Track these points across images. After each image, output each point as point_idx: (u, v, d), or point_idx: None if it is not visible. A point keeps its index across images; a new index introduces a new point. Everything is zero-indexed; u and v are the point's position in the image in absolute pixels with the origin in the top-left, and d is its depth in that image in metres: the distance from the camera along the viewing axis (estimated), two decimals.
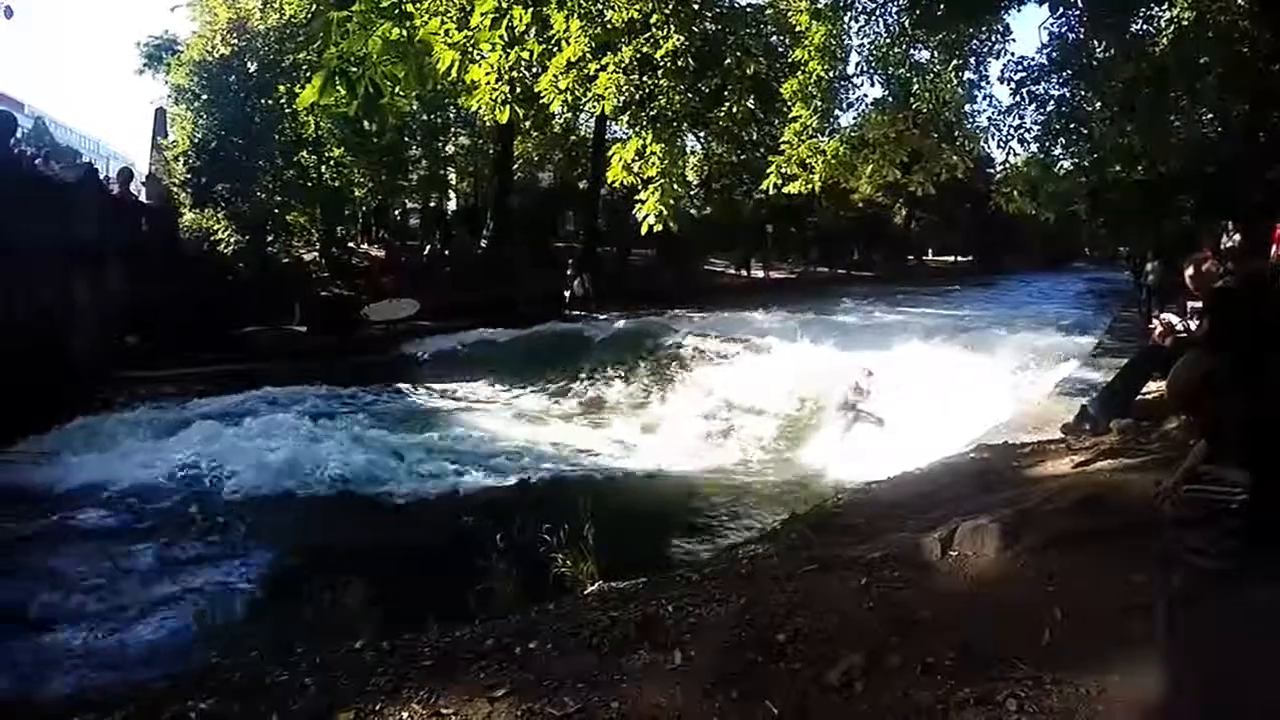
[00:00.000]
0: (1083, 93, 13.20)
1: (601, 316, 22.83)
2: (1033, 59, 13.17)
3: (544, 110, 10.83)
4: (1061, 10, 12.23)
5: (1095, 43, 12.30)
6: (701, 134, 31.06)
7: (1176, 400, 3.62)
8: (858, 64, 11.65)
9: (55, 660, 6.40)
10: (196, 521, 9.49)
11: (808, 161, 10.70)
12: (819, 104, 10.89)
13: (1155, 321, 7.50)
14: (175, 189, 23.53)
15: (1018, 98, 13.21)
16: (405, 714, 2.85)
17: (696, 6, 9.00)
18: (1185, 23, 12.08)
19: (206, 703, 2.99)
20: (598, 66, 8.12)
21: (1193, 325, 6.64)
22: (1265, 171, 11.11)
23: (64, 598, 7.49)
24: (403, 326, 21.96)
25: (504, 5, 6.99)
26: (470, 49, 7.04)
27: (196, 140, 23.36)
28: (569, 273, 23.35)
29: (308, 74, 15.30)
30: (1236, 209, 10.95)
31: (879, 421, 12.46)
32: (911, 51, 11.58)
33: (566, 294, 24.90)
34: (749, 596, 3.55)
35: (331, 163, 26.61)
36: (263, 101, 23.89)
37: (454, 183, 37.30)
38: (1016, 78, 13.12)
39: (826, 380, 14.03)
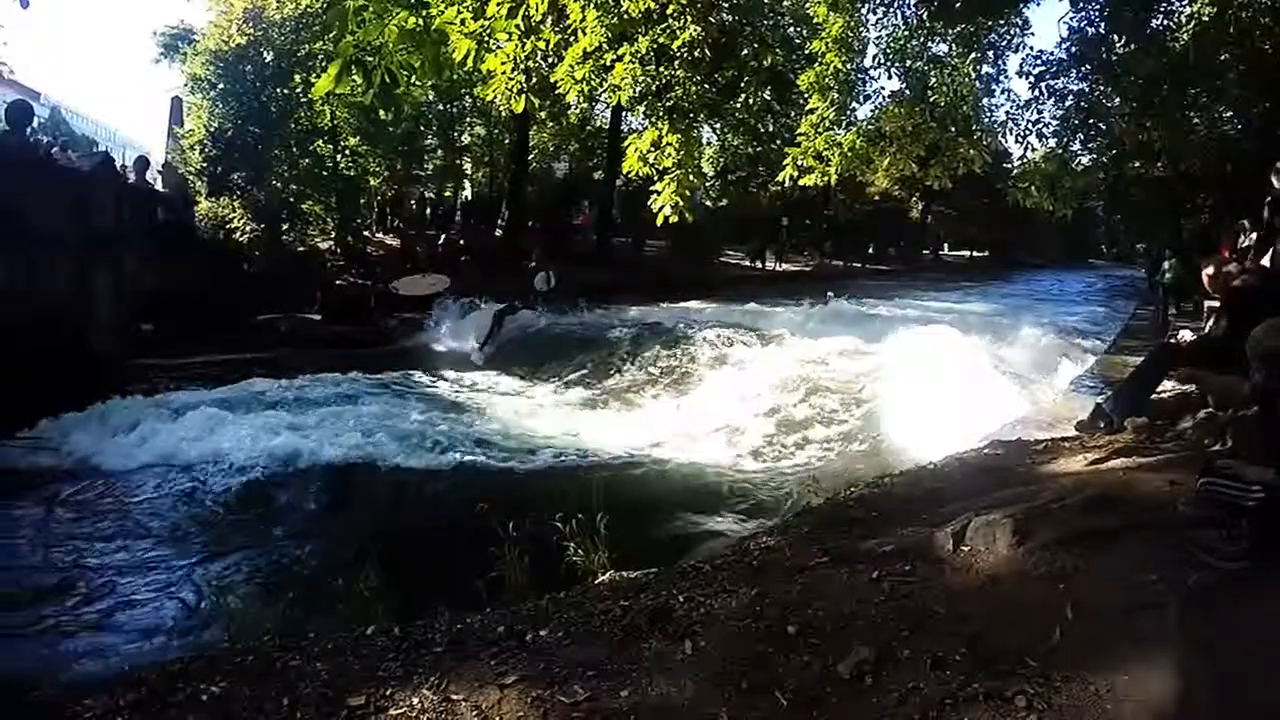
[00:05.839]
0: (1102, 88, 13.17)
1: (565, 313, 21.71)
2: (1052, 53, 13.19)
3: (560, 100, 10.84)
4: (1081, 5, 12.19)
5: (1115, 38, 12.26)
6: (717, 125, 31.09)
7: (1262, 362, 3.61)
8: (875, 57, 11.65)
9: (67, 642, 6.45)
10: (208, 506, 9.55)
11: (824, 154, 10.68)
12: (836, 96, 10.87)
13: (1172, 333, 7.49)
14: (191, 177, 23.62)
15: (1036, 92, 13.21)
16: (416, 699, 2.86)
17: None
18: (1206, 19, 11.99)
19: (218, 685, 3.01)
20: (614, 57, 8.11)
21: (1208, 326, 6.61)
22: None
23: (76, 580, 7.54)
24: (417, 315, 21.97)
25: None
26: (486, 38, 7.05)
27: (212, 129, 23.46)
28: (533, 265, 22.75)
29: (324, 63, 15.40)
30: (1255, 208, 10.88)
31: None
32: (929, 45, 11.56)
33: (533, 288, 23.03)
34: (760, 588, 3.55)
35: (347, 152, 26.69)
36: (278, 90, 23.99)
37: (469, 172, 37.37)
38: (1035, 72, 13.12)
39: (841, 371, 14.02)
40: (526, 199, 33.32)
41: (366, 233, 30.13)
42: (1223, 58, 12.93)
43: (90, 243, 14.00)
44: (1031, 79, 13.10)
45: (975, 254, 62.92)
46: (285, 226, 24.84)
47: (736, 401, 13.76)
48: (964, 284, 39.95)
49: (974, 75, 11.65)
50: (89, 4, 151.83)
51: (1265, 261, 7.34)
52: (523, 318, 21.01)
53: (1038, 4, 12.15)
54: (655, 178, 8.06)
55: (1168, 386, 6.55)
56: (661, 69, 8.32)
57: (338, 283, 23.48)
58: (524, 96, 7.93)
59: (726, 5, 9.80)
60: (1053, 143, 13.94)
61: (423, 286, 22.70)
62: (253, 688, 3.00)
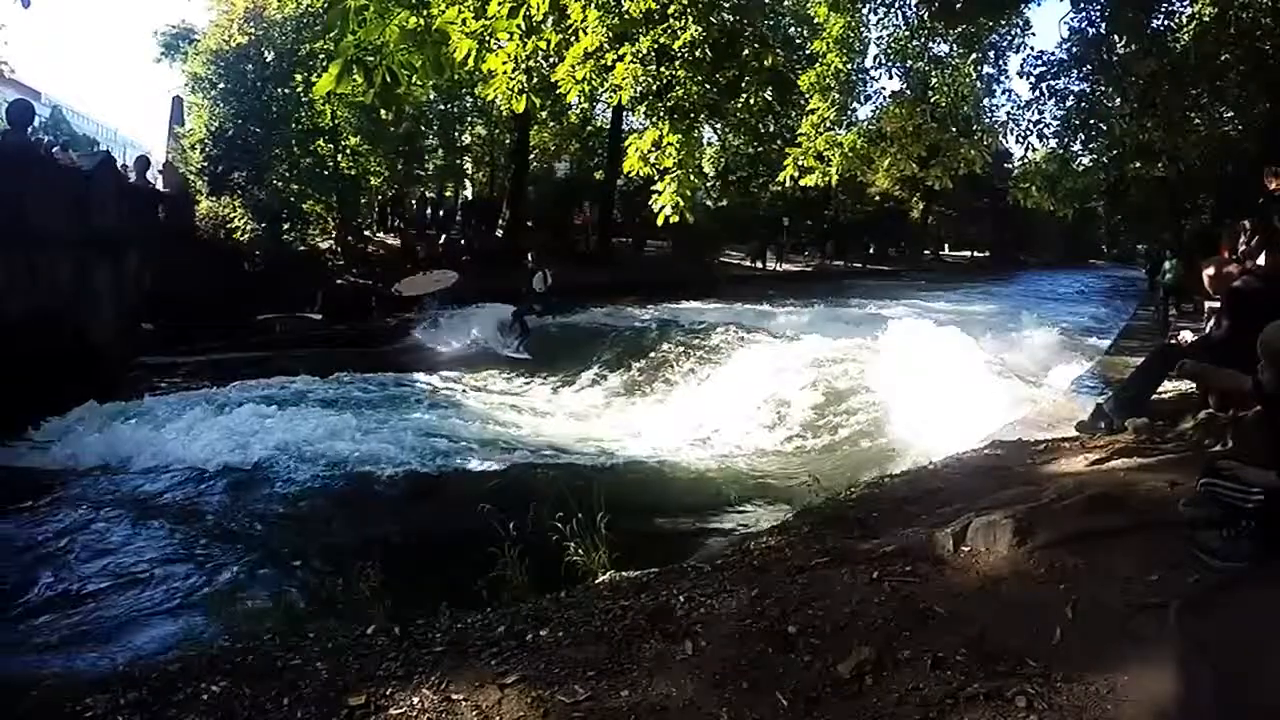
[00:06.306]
0: (1102, 88, 13.16)
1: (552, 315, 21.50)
2: (1052, 54, 13.18)
3: (561, 100, 10.83)
4: (1082, 5, 12.18)
5: (1115, 38, 12.25)
6: (718, 125, 31.08)
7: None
8: (876, 57, 11.65)
9: (67, 641, 6.44)
10: (209, 505, 9.54)
11: (825, 154, 10.68)
12: (837, 96, 10.87)
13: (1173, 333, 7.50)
14: (192, 177, 23.64)
15: (1037, 92, 13.20)
16: (416, 699, 2.87)
17: None
18: (1207, 19, 11.99)
19: (219, 685, 3.02)
20: (615, 56, 8.10)
21: (1208, 327, 6.61)
22: None
23: (77, 579, 7.54)
24: (417, 315, 21.92)
25: None
26: (487, 38, 7.06)
27: (213, 128, 23.47)
28: (529, 265, 22.62)
29: (325, 62, 15.40)
30: (1255, 209, 10.91)
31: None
32: (930, 45, 11.56)
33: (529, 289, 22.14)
34: (760, 588, 3.56)
35: (348, 151, 26.69)
36: (279, 90, 24.00)
37: (470, 172, 37.39)
38: (1036, 72, 13.11)
39: (844, 371, 14.00)
40: (527, 199, 33.35)
41: (367, 232, 30.14)
42: (1223, 58, 12.92)
43: (91, 242, 14.00)
44: (1032, 79, 13.10)
45: (976, 254, 62.94)
46: (286, 226, 24.83)
47: (736, 403, 13.75)
48: (965, 284, 39.93)
49: (975, 75, 11.66)
50: (90, 4, 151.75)
51: (1260, 261, 7.34)
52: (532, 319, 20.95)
53: (1038, 4, 12.16)
54: (656, 178, 8.05)
55: (1168, 387, 6.55)
56: (662, 69, 8.31)
57: (338, 282, 23.50)
58: (525, 96, 7.94)
59: (727, 5, 9.77)
60: (1053, 143, 13.97)
61: (427, 284, 22.59)
62: (253, 687, 3.01)
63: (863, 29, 11.15)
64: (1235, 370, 4.28)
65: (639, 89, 8.31)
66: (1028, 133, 13.29)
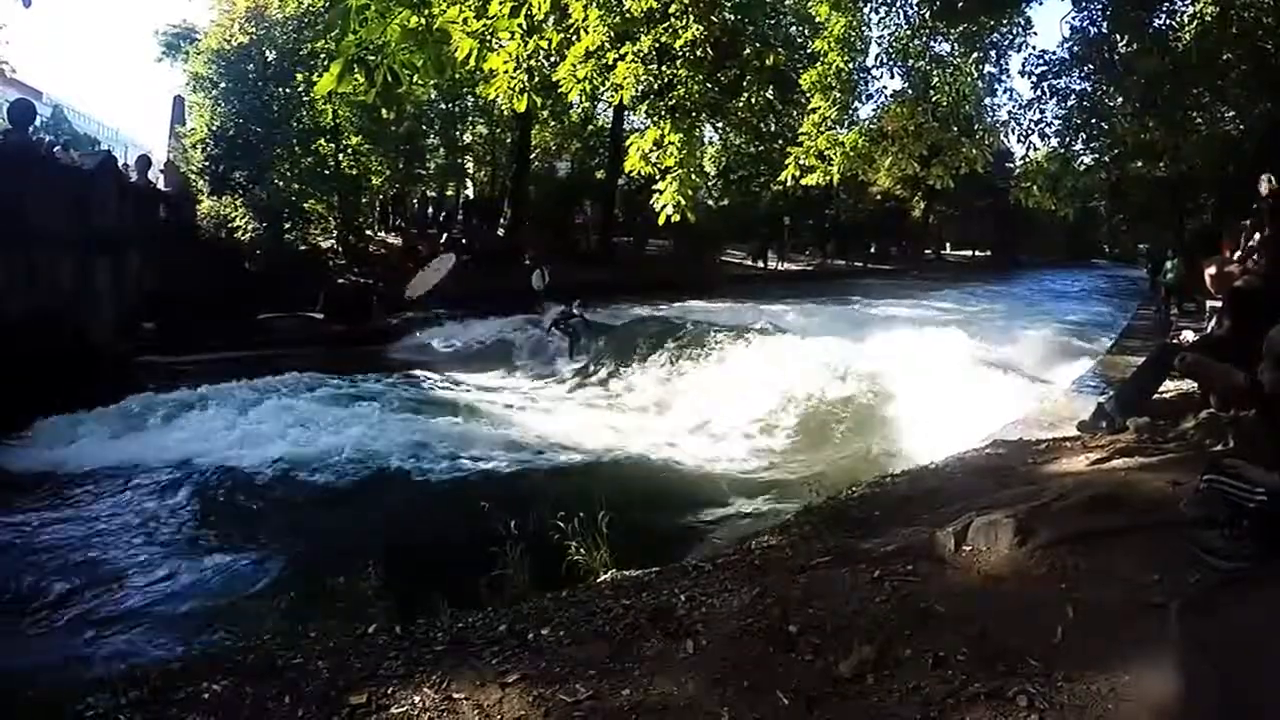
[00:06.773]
0: (1104, 87, 13.15)
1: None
2: (1054, 53, 13.19)
3: (562, 99, 10.82)
4: (1084, 4, 12.17)
5: (1117, 37, 12.24)
6: (720, 124, 31.12)
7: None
8: (877, 56, 11.64)
9: (69, 641, 6.46)
10: (210, 505, 9.55)
11: (826, 153, 10.67)
12: (838, 95, 10.86)
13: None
14: (193, 176, 23.66)
15: (1038, 91, 13.21)
16: (417, 698, 2.86)
17: None
18: (1208, 18, 11.99)
19: (220, 684, 3.01)
20: (616, 56, 8.09)
21: (1210, 326, 6.61)
22: None
23: (78, 578, 7.55)
24: (419, 313, 21.92)
25: None
26: (488, 37, 7.03)
27: (215, 128, 23.50)
28: (528, 263, 22.50)
29: (326, 62, 15.39)
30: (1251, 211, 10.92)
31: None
32: (931, 44, 11.53)
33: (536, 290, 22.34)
34: (761, 587, 3.55)
35: (349, 151, 26.75)
36: (280, 89, 24.04)
37: (471, 171, 37.41)
38: (1037, 71, 13.12)
39: (846, 371, 13.99)
40: (528, 198, 33.38)
41: (369, 232, 30.15)
42: (1225, 57, 12.92)
43: (92, 242, 14.01)
44: (1034, 78, 13.11)
45: (977, 254, 62.93)
46: (287, 226, 24.88)
47: (738, 402, 13.75)
48: (966, 284, 39.91)
49: (976, 74, 11.63)
50: (91, 3, 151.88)
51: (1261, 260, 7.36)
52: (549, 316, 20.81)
53: (1040, 3, 12.19)
54: (657, 177, 8.05)
55: (1169, 386, 6.55)
56: (664, 68, 8.31)
57: (340, 282, 23.51)
58: (526, 95, 7.92)
59: (729, 4, 9.79)
60: (1055, 142, 13.97)
61: (432, 277, 22.61)
62: (255, 686, 3.00)
63: (864, 28, 11.14)
64: (1233, 367, 4.27)
65: (640, 88, 8.31)
66: (1029, 132, 13.31)
